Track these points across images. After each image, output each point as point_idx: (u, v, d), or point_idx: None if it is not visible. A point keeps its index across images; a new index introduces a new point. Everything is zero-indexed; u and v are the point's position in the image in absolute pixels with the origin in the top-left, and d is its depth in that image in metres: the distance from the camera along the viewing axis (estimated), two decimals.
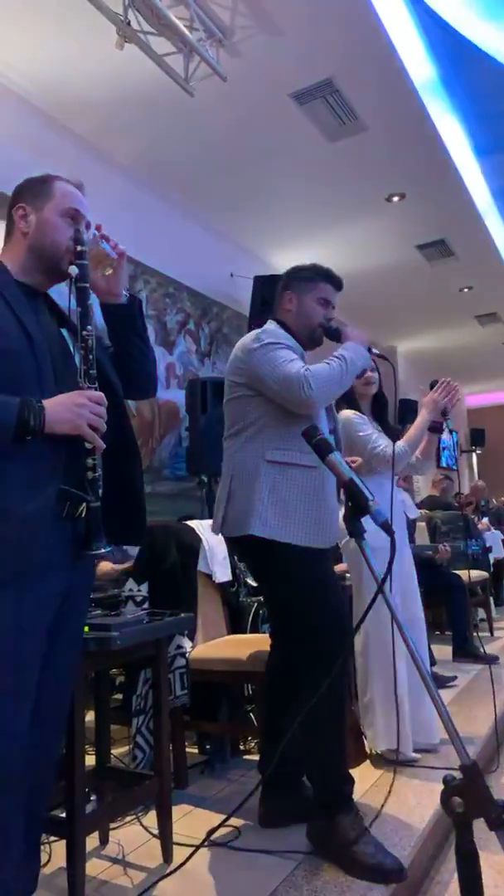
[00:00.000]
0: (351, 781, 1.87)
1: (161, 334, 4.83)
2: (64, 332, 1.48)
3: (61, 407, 1.29)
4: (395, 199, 5.16)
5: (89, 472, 1.34)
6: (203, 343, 5.32)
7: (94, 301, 1.44)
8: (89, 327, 1.39)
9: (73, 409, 1.30)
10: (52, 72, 3.68)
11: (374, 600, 1.15)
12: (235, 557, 2.99)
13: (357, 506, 1.14)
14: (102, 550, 1.36)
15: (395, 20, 3.63)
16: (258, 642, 2.50)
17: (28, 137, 3.81)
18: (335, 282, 2.11)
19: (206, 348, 5.36)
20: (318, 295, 2.07)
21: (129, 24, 3.16)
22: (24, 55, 3.56)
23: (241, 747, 2.71)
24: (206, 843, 1.86)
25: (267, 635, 2.69)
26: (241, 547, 2.02)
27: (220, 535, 2.04)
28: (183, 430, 4.84)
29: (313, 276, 2.09)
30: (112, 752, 2.21)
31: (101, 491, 1.37)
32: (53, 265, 1.44)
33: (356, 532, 1.14)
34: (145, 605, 2.41)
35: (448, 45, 4.11)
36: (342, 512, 2.07)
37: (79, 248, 1.41)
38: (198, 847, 1.62)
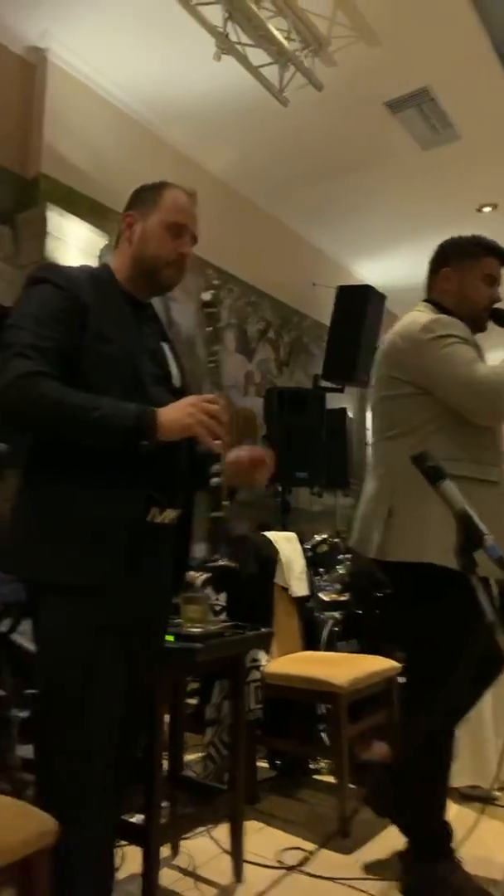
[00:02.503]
0: (450, 828, 1.72)
1: (241, 341, 4.85)
2: (165, 346, 1.46)
3: (173, 411, 1.26)
4: (487, 209, 5.01)
5: (213, 478, 1.30)
6: (282, 352, 5.31)
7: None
8: (215, 347, 1.40)
9: (183, 410, 1.26)
10: (149, 83, 3.75)
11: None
12: (311, 572, 2.95)
13: (470, 539, 1.08)
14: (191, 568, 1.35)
15: (496, 26, 3.51)
16: (335, 661, 2.45)
17: (126, 147, 3.91)
18: (502, 255, 1.83)
19: (285, 357, 5.35)
20: (483, 271, 1.79)
21: (227, 36, 3.19)
22: (123, 67, 3.65)
23: (311, 766, 2.66)
24: (281, 866, 1.82)
25: (343, 654, 2.66)
26: (405, 572, 1.67)
27: (379, 558, 1.70)
28: (260, 438, 4.83)
29: (475, 250, 1.81)
30: None
31: (226, 502, 1.32)
32: (153, 277, 1.42)
33: (469, 567, 1.08)
34: (223, 616, 2.40)
35: None
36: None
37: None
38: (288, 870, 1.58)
